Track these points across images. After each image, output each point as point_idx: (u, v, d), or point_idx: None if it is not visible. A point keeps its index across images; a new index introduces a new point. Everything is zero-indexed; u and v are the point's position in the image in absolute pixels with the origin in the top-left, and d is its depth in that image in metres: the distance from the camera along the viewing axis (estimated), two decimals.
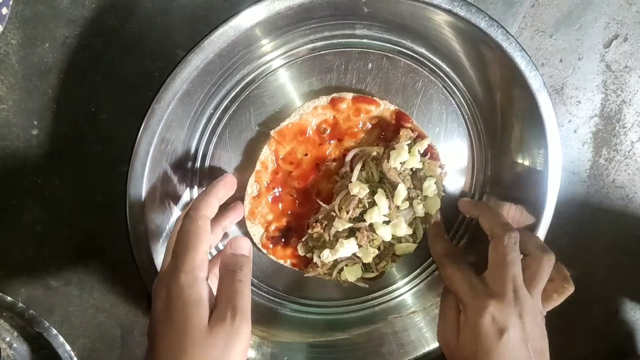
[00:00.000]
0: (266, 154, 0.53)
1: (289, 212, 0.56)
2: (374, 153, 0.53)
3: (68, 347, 0.53)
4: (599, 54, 0.60)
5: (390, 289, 0.59)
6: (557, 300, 0.57)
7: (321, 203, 0.54)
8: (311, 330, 0.58)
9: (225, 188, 0.48)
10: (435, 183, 0.54)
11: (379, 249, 0.55)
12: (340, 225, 0.53)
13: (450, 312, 0.48)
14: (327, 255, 0.53)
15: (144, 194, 0.49)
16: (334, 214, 0.53)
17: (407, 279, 0.60)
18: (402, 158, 0.52)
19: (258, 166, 0.53)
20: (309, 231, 0.54)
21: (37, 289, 0.57)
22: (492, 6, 0.57)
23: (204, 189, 0.53)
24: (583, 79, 0.60)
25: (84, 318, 0.58)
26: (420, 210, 0.54)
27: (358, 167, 0.53)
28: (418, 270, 0.59)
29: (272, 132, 0.53)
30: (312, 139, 0.54)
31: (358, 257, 0.55)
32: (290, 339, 0.57)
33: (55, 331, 0.52)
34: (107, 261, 0.58)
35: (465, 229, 0.58)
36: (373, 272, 0.56)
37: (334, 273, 0.55)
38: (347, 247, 0.53)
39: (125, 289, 0.58)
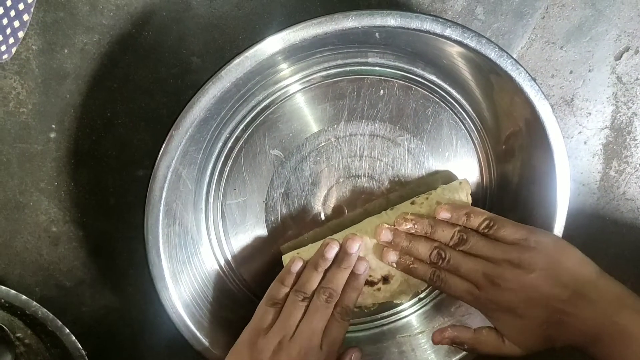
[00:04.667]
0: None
1: None
2: None
3: (80, 346, 0.54)
4: (610, 66, 0.60)
5: (396, 309, 0.60)
6: None
7: None
8: None
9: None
10: None
11: None
12: None
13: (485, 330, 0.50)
14: None
15: (161, 216, 0.50)
16: None
17: (413, 301, 0.60)
18: None
19: None
20: None
21: (51, 288, 0.58)
22: (503, 17, 0.58)
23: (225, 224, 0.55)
24: (593, 90, 0.60)
25: (96, 318, 0.59)
26: None
27: None
28: (424, 294, 0.60)
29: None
30: None
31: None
32: None
33: (67, 330, 0.53)
34: (119, 263, 0.59)
35: None
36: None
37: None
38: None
39: (137, 290, 0.59)
